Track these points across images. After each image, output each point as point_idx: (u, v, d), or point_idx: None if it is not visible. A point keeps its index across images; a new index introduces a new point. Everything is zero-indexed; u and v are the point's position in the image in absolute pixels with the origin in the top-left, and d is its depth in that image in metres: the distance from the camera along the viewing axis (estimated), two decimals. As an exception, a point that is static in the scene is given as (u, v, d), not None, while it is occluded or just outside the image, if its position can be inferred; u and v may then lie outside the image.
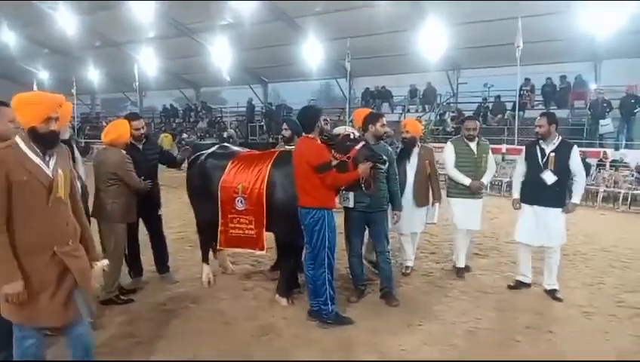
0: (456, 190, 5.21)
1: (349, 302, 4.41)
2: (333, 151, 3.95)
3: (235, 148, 5.12)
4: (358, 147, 3.93)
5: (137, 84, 20.94)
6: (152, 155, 4.71)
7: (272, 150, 4.66)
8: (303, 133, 3.98)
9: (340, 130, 4.11)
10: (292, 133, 4.87)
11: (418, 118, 12.70)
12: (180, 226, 7.13)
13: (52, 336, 3.08)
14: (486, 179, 5.25)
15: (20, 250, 2.42)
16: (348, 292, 4.60)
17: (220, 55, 18.67)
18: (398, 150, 5.10)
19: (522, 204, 4.72)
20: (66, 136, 3.67)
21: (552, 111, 13.41)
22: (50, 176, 2.49)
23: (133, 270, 4.80)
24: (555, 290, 4.61)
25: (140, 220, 4.70)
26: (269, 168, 4.24)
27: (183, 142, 18.35)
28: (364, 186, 4.09)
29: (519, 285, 4.81)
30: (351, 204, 4.22)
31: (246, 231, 4.27)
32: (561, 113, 15.18)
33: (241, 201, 4.24)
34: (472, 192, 5.11)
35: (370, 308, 4.32)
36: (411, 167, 5.11)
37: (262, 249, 4.38)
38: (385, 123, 4.34)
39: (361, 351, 3.50)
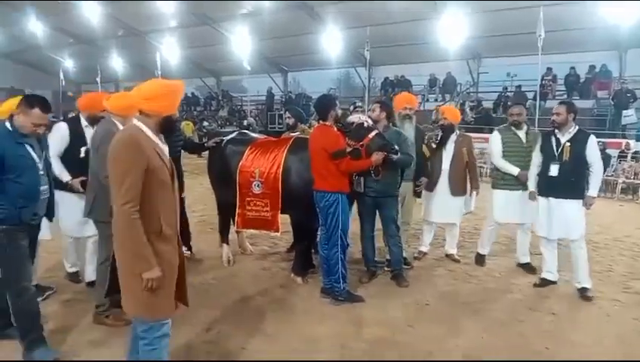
0: (503, 181, 4.99)
1: (361, 283, 4.62)
2: (347, 138, 4.14)
3: (254, 134, 5.35)
4: (371, 135, 4.10)
5: (159, 72, 21.32)
6: (178, 142, 4.94)
7: (288, 137, 4.87)
8: (320, 121, 4.18)
9: (354, 118, 4.28)
10: (295, 120, 5.24)
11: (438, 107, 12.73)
12: (201, 210, 7.42)
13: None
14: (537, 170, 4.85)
15: (153, 236, 2.36)
16: (360, 274, 4.81)
17: (241, 44, 18.88)
18: (438, 137, 5.14)
19: (538, 197, 4.56)
20: None
21: (572, 100, 13.33)
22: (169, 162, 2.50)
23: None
24: (585, 289, 4.36)
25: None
26: (284, 154, 4.47)
27: (204, 130, 18.71)
28: (374, 173, 4.27)
29: (545, 283, 4.62)
30: (362, 189, 4.40)
31: (262, 214, 4.51)
32: (585, 103, 15.05)
33: (258, 185, 4.47)
34: (521, 183, 4.82)
35: (382, 288, 4.53)
36: (447, 155, 5.10)
37: (277, 230, 4.62)
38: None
39: (369, 327, 3.71)
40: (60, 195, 3.73)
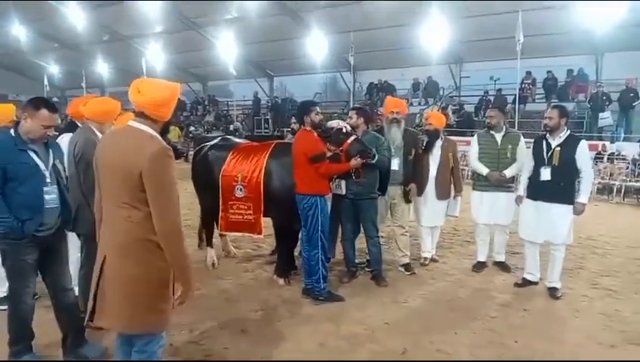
0: (479, 182, 5.16)
1: (341, 283, 4.77)
2: (328, 143, 4.29)
3: (237, 140, 5.49)
4: (349, 140, 4.27)
5: (145, 77, 21.30)
6: None
7: (269, 142, 5.01)
8: (301, 126, 4.34)
9: (333, 123, 4.44)
10: (300, 125, 5.34)
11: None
12: (185, 214, 7.48)
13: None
14: (510, 171, 4.97)
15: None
16: (341, 274, 4.95)
17: (226, 49, 18.97)
18: (424, 143, 5.18)
19: (525, 200, 4.63)
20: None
21: (564, 105, 13.69)
22: None
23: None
24: (554, 289, 4.50)
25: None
26: (266, 159, 4.62)
27: (190, 135, 18.75)
28: (354, 176, 4.43)
29: (526, 283, 4.72)
30: (343, 192, 4.54)
31: (245, 217, 4.65)
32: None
33: (240, 189, 4.61)
34: (494, 184, 4.96)
35: (361, 288, 4.68)
36: (434, 160, 5.20)
37: (259, 233, 4.77)
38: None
39: (347, 325, 3.85)
40: None
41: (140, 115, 2.33)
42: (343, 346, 3.49)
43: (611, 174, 10.78)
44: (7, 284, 3.94)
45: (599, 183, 10.73)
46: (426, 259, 5.48)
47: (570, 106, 15.32)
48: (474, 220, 5.30)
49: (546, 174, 4.41)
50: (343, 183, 4.53)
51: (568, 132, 4.45)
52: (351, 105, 18.96)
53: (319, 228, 4.16)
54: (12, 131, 2.97)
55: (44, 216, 2.99)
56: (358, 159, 4.21)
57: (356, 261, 5.08)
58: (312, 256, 4.23)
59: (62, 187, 3.11)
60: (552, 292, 4.52)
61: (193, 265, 5.07)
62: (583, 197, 4.40)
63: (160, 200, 2.23)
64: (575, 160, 4.33)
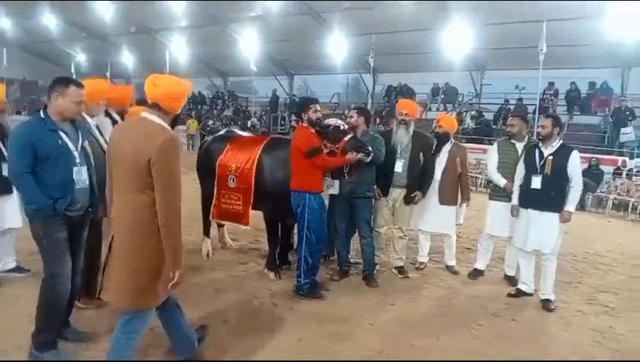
0: (497, 193, 4.98)
1: (332, 281, 4.75)
2: (325, 141, 4.30)
3: (241, 132, 5.55)
4: (346, 138, 4.28)
5: (167, 70, 21.64)
6: None
7: (265, 135, 5.05)
8: (299, 123, 4.37)
9: (330, 121, 4.44)
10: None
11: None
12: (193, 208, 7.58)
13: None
14: None
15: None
16: (333, 271, 4.94)
17: (248, 46, 19.16)
18: (434, 145, 5.08)
19: (519, 208, 4.55)
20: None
21: (559, 115, 13.40)
22: None
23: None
24: (548, 300, 4.41)
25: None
26: (259, 151, 4.64)
27: (208, 128, 18.96)
28: (347, 175, 4.43)
29: (520, 294, 4.63)
30: (336, 191, 4.53)
31: (234, 207, 4.69)
32: (585, 119, 15.10)
33: (233, 179, 4.65)
34: (509, 195, 4.73)
35: (352, 288, 4.65)
36: (439, 163, 5.10)
37: (246, 224, 4.81)
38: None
39: (330, 323, 3.83)
40: None
41: (154, 107, 2.55)
42: (320, 342, 3.48)
43: (628, 191, 10.50)
44: (13, 256, 4.31)
45: (615, 199, 10.46)
46: (421, 263, 5.41)
47: (593, 120, 15.03)
48: (487, 231, 5.11)
49: (536, 182, 4.39)
50: (336, 183, 4.51)
51: (561, 141, 4.45)
52: (370, 108, 19.07)
53: (305, 224, 4.17)
54: (41, 113, 2.96)
55: (75, 196, 3.00)
56: (354, 154, 4.20)
57: (351, 261, 5.06)
58: (298, 251, 4.24)
59: (90, 169, 3.11)
60: (546, 304, 4.43)
61: (191, 254, 5.19)
62: (570, 206, 4.37)
63: (166, 185, 2.43)
64: (566, 169, 4.32)
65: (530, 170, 4.45)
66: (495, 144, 5.19)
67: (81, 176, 3.02)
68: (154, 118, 2.54)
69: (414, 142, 4.88)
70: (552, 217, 4.35)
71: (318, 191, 4.25)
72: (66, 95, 2.90)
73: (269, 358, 3.23)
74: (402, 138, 4.87)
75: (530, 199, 4.45)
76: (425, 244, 5.43)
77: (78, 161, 3.00)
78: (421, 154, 4.90)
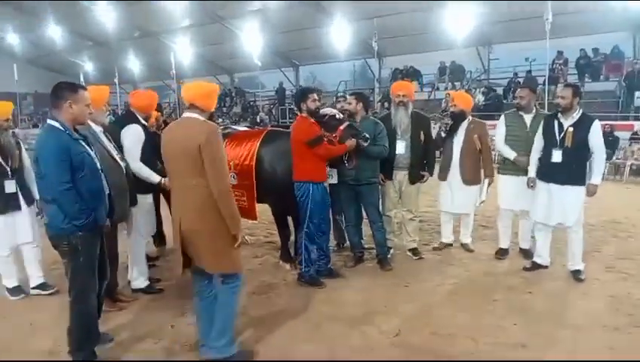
0: (505, 166, 4.93)
1: (346, 267, 4.80)
2: (323, 130, 4.31)
3: (238, 128, 5.60)
4: (342, 127, 4.31)
5: (174, 72, 21.80)
6: None
7: (262, 129, 5.07)
8: (299, 113, 4.39)
9: (326, 110, 4.46)
10: None
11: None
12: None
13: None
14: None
15: None
16: (347, 258, 4.99)
17: (251, 40, 19.14)
18: (448, 126, 5.04)
19: (538, 181, 4.48)
20: (105, 121, 3.99)
21: (581, 83, 13.15)
22: None
23: (157, 239, 5.37)
24: (578, 271, 4.39)
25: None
26: (257, 146, 4.66)
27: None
28: (347, 162, 4.45)
29: (535, 266, 4.62)
30: (334, 181, 4.56)
31: (240, 203, 4.70)
32: (598, 86, 14.77)
33: (233, 177, 4.67)
34: (522, 168, 4.69)
35: (366, 272, 4.70)
36: (457, 143, 5.02)
37: (254, 219, 4.92)
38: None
39: (346, 307, 3.90)
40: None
41: (191, 107, 2.97)
42: (337, 328, 3.53)
43: (645, 155, 10.29)
44: (15, 276, 4.22)
45: (632, 165, 10.27)
46: (441, 243, 5.38)
47: (607, 86, 14.68)
48: (500, 206, 5.04)
49: (557, 156, 4.29)
50: (335, 172, 4.55)
51: (581, 111, 4.31)
52: (377, 92, 18.96)
53: (307, 214, 4.23)
54: (56, 123, 2.87)
55: (105, 206, 3.07)
56: (353, 140, 4.23)
57: (365, 246, 5.10)
58: (298, 240, 4.32)
59: (104, 175, 3.14)
60: (576, 275, 4.40)
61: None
62: (595, 179, 4.28)
63: (214, 166, 2.82)
64: (588, 140, 4.19)
65: (550, 144, 4.34)
66: (503, 116, 5.09)
67: (104, 182, 3.08)
68: (194, 115, 2.96)
69: (413, 123, 4.88)
70: (574, 190, 4.26)
71: (321, 180, 4.28)
72: (79, 100, 2.91)
73: (288, 347, 3.30)
74: (402, 119, 4.86)
75: (550, 173, 4.36)
76: (447, 226, 5.38)
77: (99, 167, 3.05)
78: (421, 133, 4.90)
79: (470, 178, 5.01)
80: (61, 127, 2.86)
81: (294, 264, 4.82)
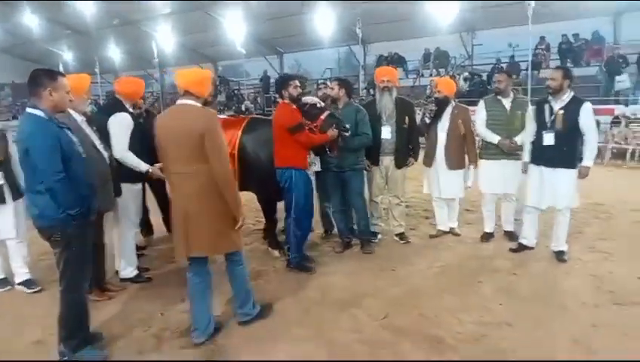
0: (488, 151, 4.95)
1: (335, 253, 4.85)
2: (304, 118, 4.31)
3: (221, 116, 5.54)
4: (323, 116, 4.32)
5: (157, 60, 21.48)
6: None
7: (244, 117, 5.04)
8: (280, 100, 4.40)
9: (307, 99, 4.47)
10: None
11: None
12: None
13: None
14: (520, 138, 4.72)
15: None
16: (335, 244, 5.04)
17: (234, 28, 18.91)
18: (432, 112, 5.01)
19: (530, 165, 4.54)
20: (87, 110, 3.89)
21: (569, 67, 13.28)
22: None
23: (144, 229, 5.34)
24: (562, 252, 4.49)
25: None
26: (239, 134, 4.63)
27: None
28: (329, 150, 4.48)
29: (522, 248, 4.72)
30: (318, 168, 4.57)
31: None
32: (580, 71, 14.93)
33: None
34: (503, 152, 4.79)
35: (354, 258, 4.75)
36: (442, 128, 5.01)
37: None
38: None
39: (334, 291, 3.94)
40: None
41: (186, 94, 3.04)
42: (326, 312, 3.57)
43: (626, 138, 10.48)
44: (25, 267, 4.13)
45: (613, 148, 10.46)
46: (438, 231, 5.38)
47: (588, 71, 14.86)
48: (482, 190, 5.10)
49: (549, 139, 4.32)
50: (318, 159, 4.56)
51: (572, 94, 4.34)
52: (362, 80, 18.95)
53: (292, 200, 4.25)
54: (39, 112, 2.78)
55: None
56: (335, 131, 4.27)
57: (357, 232, 5.11)
58: (286, 226, 4.35)
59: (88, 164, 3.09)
60: (560, 256, 4.49)
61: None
62: (587, 161, 4.31)
63: (218, 153, 2.95)
64: (579, 123, 4.22)
65: (541, 127, 4.38)
66: (482, 101, 5.08)
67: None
68: (190, 102, 3.03)
69: (398, 108, 4.91)
70: (565, 173, 4.31)
71: (303, 167, 4.29)
72: (58, 88, 2.84)
73: (278, 330, 3.33)
74: (387, 104, 4.89)
75: (542, 156, 4.40)
76: (441, 211, 5.38)
77: (84, 156, 2.99)
78: (406, 118, 4.93)
79: (455, 163, 5.04)
80: (45, 116, 2.78)
81: (283, 251, 4.84)
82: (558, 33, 15.55)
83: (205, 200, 3.00)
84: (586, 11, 14.88)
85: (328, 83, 4.86)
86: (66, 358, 2.96)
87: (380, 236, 5.24)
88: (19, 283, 4.17)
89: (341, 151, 4.53)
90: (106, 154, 3.72)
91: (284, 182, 4.24)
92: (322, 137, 4.28)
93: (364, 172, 4.93)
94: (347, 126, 4.33)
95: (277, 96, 5.12)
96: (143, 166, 4.07)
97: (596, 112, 11.12)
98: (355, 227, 5.09)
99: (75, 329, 2.99)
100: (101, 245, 3.87)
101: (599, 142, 10.59)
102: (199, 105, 3.04)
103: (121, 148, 3.94)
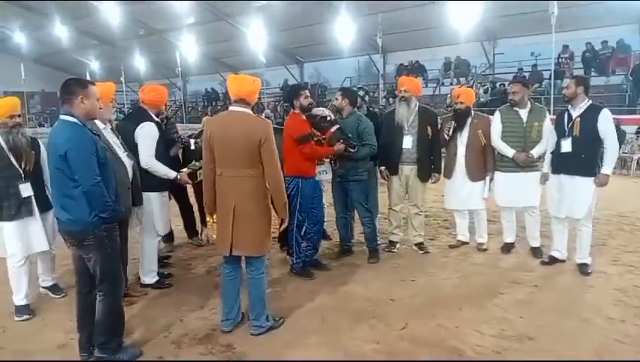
0: (503, 163, 4.83)
1: (334, 260, 4.95)
2: (314, 129, 4.38)
3: None
4: (332, 130, 4.38)
5: (180, 69, 21.91)
6: (173, 133, 5.16)
7: None
8: (291, 110, 4.48)
9: (318, 111, 4.51)
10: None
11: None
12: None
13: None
14: (537, 151, 4.63)
15: None
16: (337, 251, 5.14)
17: (256, 37, 19.18)
18: (450, 130, 4.95)
19: (550, 175, 4.50)
20: (112, 117, 4.00)
21: (587, 77, 13.05)
22: None
23: (164, 236, 5.41)
24: (585, 264, 4.39)
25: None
26: None
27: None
28: (333, 164, 4.61)
29: (553, 261, 4.62)
30: (329, 176, 4.65)
31: None
32: (605, 80, 14.67)
33: None
34: (520, 165, 4.68)
35: (372, 267, 4.74)
36: (462, 139, 4.94)
37: None
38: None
39: (352, 301, 3.93)
40: None
41: (240, 102, 3.24)
42: (343, 321, 3.56)
43: (652, 149, 10.24)
44: (24, 290, 3.81)
45: (639, 159, 10.21)
46: (458, 241, 5.32)
47: (614, 80, 14.58)
48: (499, 204, 5.01)
49: (566, 146, 4.28)
50: (329, 168, 4.62)
51: (590, 102, 4.30)
52: (381, 88, 18.96)
53: (296, 208, 4.33)
54: (73, 119, 2.85)
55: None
56: (342, 145, 4.36)
57: (380, 241, 5.14)
58: (289, 233, 4.43)
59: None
60: (583, 268, 4.40)
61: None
62: (606, 168, 4.21)
63: (273, 160, 3.18)
64: (597, 130, 4.15)
65: (560, 134, 4.36)
66: (497, 112, 4.92)
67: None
68: (244, 109, 3.24)
69: (420, 118, 4.89)
70: (583, 182, 4.24)
71: (311, 176, 4.37)
72: (90, 95, 2.91)
73: (295, 338, 3.34)
74: (404, 114, 4.89)
75: (560, 164, 4.38)
76: (461, 222, 5.33)
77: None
78: (428, 128, 4.90)
79: (476, 174, 4.95)
80: (79, 123, 2.87)
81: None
82: (582, 42, 15.33)
83: (255, 203, 3.22)
84: (611, 19, 14.64)
85: (338, 96, 4.90)
86: (104, 358, 3.01)
87: (398, 245, 5.23)
88: (43, 287, 4.20)
89: (343, 161, 4.61)
90: (128, 162, 3.79)
91: (290, 190, 4.29)
92: (327, 150, 4.38)
93: (369, 181, 4.95)
94: (354, 143, 4.43)
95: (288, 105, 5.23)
96: (171, 173, 4.11)
97: (622, 122, 11.11)
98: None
99: (113, 334, 3.05)
100: (124, 251, 3.94)
101: (625, 153, 10.53)
102: (251, 112, 3.26)
103: (148, 157, 3.98)
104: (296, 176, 4.30)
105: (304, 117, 4.32)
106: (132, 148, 3.93)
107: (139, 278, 4.36)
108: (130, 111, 5.20)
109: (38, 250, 3.90)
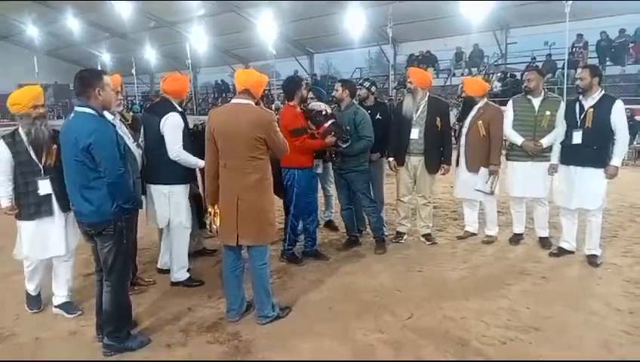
0: (513, 152, 4.82)
1: (337, 250, 4.98)
2: (309, 122, 4.41)
3: None
4: (327, 124, 4.40)
5: (190, 61, 21.96)
6: None
7: None
8: (287, 101, 4.50)
9: (314, 105, 4.54)
10: (316, 99, 5.44)
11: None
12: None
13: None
14: (547, 140, 4.57)
15: None
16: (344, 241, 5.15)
17: (265, 29, 19.14)
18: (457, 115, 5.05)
19: (560, 165, 4.46)
20: (117, 108, 3.87)
21: (601, 66, 12.84)
22: None
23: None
24: (594, 256, 4.36)
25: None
26: None
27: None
28: (332, 156, 4.70)
29: (562, 252, 4.59)
30: (320, 171, 4.73)
31: None
32: (621, 69, 14.40)
33: None
34: (530, 154, 4.65)
35: (379, 258, 4.74)
36: (465, 130, 4.98)
37: None
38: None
39: (358, 292, 3.94)
40: None
41: (245, 93, 3.26)
42: (349, 311, 3.58)
43: (668, 139, 10.04)
44: (66, 289, 3.68)
45: (655, 150, 10.05)
46: (466, 232, 5.31)
47: (630, 69, 14.28)
48: (509, 193, 4.99)
49: (577, 137, 4.23)
50: (320, 162, 4.67)
51: (603, 92, 4.23)
52: (392, 79, 18.81)
53: (293, 198, 4.42)
54: (92, 111, 2.85)
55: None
56: (333, 138, 4.37)
57: (385, 232, 5.15)
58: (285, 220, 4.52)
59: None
60: (592, 259, 4.37)
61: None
62: (616, 160, 4.18)
63: (280, 146, 3.29)
64: (610, 121, 4.11)
65: (571, 125, 4.30)
66: (511, 101, 4.92)
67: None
68: (248, 101, 3.25)
69: (430, 108, 4.85)
70: (595, 173, 4.21)
71: (307, 166, 4.42)
72: (105, 86, 2.90)
73: (302, 328, 3.37)
74: (409, 105, 4.89)
75: (571, 155, 4.33)
76: (467, 212, 5.32)
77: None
78: (438, 119, 4.85)
79: (472, 165, 4.93)
80: (97, 114, 2.87)
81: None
82: (595, 30, 15.05)
83: (259, 194, 3.25)
84: (626, 7, 14.32)
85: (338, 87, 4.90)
86: (113, 346, 3.07)
87: (406, 236, 5.22)
88: (56, 306, 3.69)
89: (342, 154, 4.66)
90: (137, 152, 3.83)
91: (286, 181, 4.39)
92: (318, 143, 4.40)
93: (371, 172, 4.95)
94: (347, 137, 4.47)
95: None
96: (200, 162, 3.81)
97: (637, 112, 10.87)
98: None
99: (122, 323, 3.11)
100: (134, 240, 3.98)
101: (639, 143, 10.33)
102: (254, 104, 3.26)
103: (177, 148, 3.85)
104: (292, 167, 4.36)
105: (299, 110, 4.38)
106: (158, 141, 3.85)
107: (152, 266, 4.41)
108: (154, 102, 5.15)
109: (54, 255, 3.56)
